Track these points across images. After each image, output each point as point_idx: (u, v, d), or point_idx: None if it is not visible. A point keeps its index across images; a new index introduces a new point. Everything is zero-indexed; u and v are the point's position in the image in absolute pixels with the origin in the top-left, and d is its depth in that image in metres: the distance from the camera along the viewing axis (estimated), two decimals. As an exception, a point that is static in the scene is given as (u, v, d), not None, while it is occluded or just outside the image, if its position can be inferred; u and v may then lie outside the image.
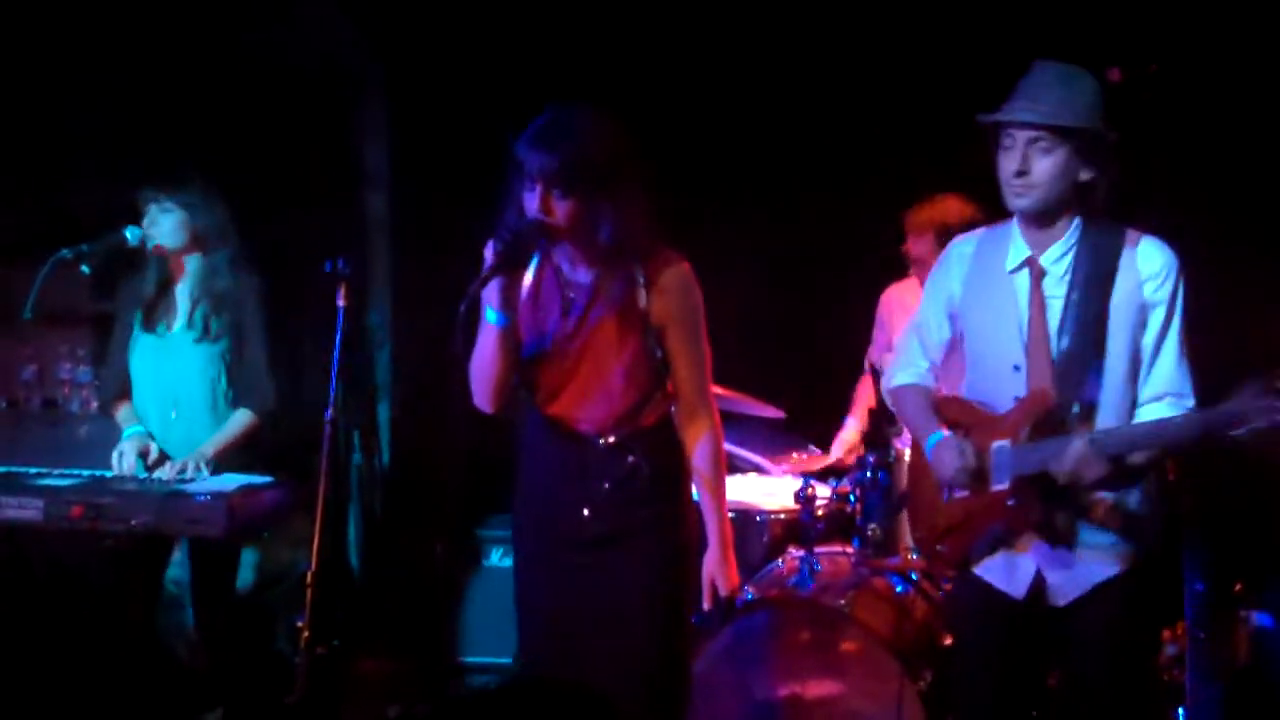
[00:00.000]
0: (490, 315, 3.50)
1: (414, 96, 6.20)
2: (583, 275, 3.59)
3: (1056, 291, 3.46)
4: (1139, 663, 3.68)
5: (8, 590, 4.77)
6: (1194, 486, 4.15)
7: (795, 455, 5.33)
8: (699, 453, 3.65)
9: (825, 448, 5.49)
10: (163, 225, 4.55)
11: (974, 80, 5.33)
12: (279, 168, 5.85)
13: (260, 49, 5.94)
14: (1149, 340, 3.43)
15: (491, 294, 3.47)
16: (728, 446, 5.17)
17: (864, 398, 5.50)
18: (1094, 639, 3.53)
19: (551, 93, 5.69)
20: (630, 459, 3.58)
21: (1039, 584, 3.53)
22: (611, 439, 3.59)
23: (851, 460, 5.24)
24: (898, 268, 5.26)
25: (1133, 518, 3.48)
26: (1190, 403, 3.41)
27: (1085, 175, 3.40)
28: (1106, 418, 3.43)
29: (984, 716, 3.67)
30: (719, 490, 3.69)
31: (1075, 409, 3.41)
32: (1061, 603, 3.53)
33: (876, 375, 5.11)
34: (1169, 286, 3.41)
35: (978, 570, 3.61)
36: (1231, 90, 5.25)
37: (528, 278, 3.61)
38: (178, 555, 4.70)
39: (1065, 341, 3.43)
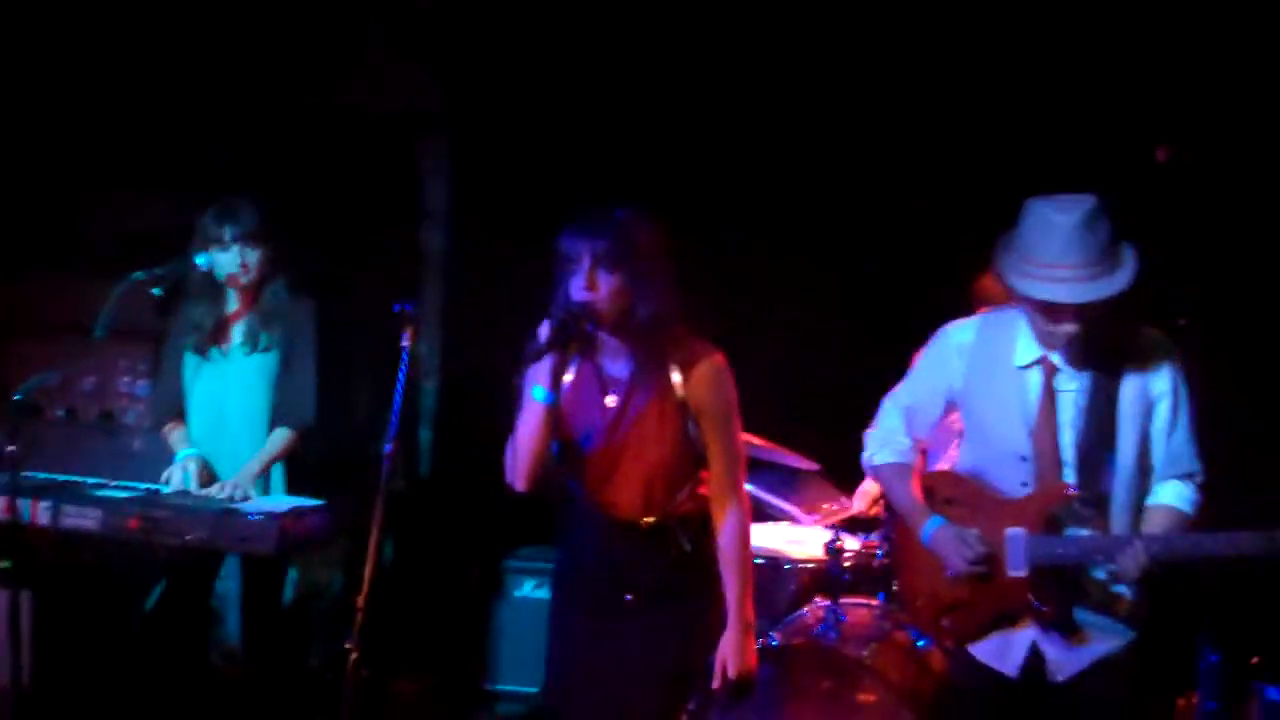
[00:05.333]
0: (538, 393, 3.68)
1: (476, 137, 6.37)
2: (621, 369, 3.78)
3: (1067, 386, 3.56)
4: None
5: (61, 595, 4.92)
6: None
7: (826, 506, 5.41)
8: (726, 536, 3.80)
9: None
10: (251, 263, 4.74)
11: (1023, 143, 5.48)
12: (343, 200, 6.03)
13: (329, 89, 6.13)
14: (1158, 427, 3.56)
15: (541, 373, 3.67)
16: (760, 493, 5.32)
17: None
18: (1097, 716, 3.61)
19: (608, 138, 5.92)
20: (671, 550, 3.77)
21: (1035, 660, 3.62)
22: (651, 520, 3.77)
23: (873, 512, 5.31)
24: (933, 328, 5.34)
25: (1131, 600, 3.58)
26: (1201, 480, 3.55)
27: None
28: (1119, 508, 3.55)
29: None
30: (743, 574, 3.81)
31: (1090, 501, 3.53)
32: (1060, 678, 3.61)
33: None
34: (1170, 375, 3.53)
35: (972, 648, 3.70)
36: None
37: (569, 375, 3.79)
38: (221, 570, 4.86)
39: (1079, 435, 3.54)
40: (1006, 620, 3.63)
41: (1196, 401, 3.56)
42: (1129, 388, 3.52)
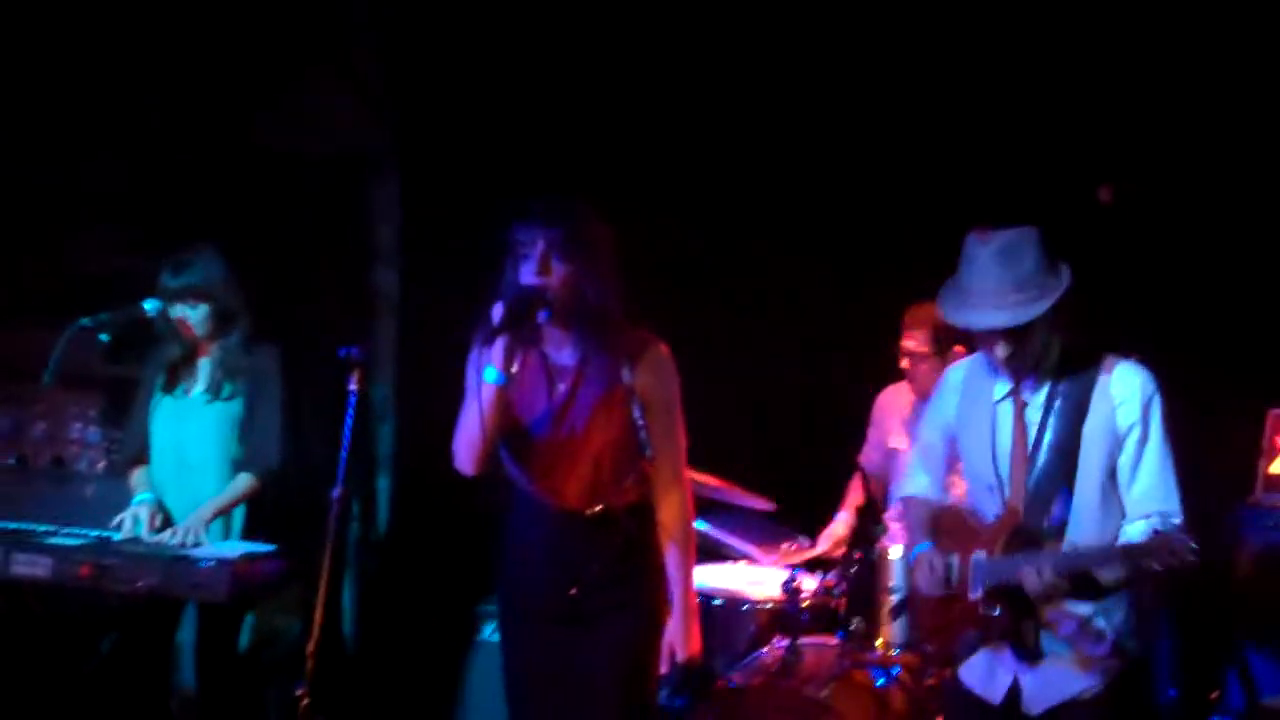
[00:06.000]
0: (489, 374, 3.70)
1: (426, 177, 6.37)
2: (568, 358, 3.84)
3: (1034, 417, 3.62)
4: None
5: (11, 644, 4.86)
6: (1168, 595, 4.25)
7: (784, 546, 5.38)
8: (671, 521, 3.89)
9: (814, 540, 5.55)
10: (192, 319, 4.74)
11: (978, 182, 5.51)
12: (293, 243, 6.01)
13: (276, 128, 6.12)
14: (1125, 462, 3.54)
15: (494, 354, 3.69)
16: (719, 534, 5.31)
17: (854, 495, 5.55)
18: None
19: (560, 172, 5.93)
20: (618, 537, 3.80)
21: (1015, 690, 3.64)
22: (599, 508, 3.81)
23: (837, 554, 5.32)
24: (894, 371, 5.37)
25: (1108, 636, 3.58)
26: (1177, 520, 3.47)
27: (1053, 316, 3.52)
28: (1078, 536, 3.55)
29: None
30: (687, 561, 3.90)
31: (1045, 528, 3.56)
32: (1035, 711, 3.62)
33: (865, 475, 5.20)
34: (1139, 410, 3.53)
35: (960, 673, 3.76)
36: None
37: (515, 365, 3.79)
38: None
39: (1038, 466, 3.59)
40: (980, 643, 3.67)
41: (1174, 438, 3.54)
42: (1095, 421, 3.55)
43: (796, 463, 5.44)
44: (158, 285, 4.74)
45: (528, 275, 3.69)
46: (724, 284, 6.09)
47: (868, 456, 5.45)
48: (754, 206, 6.17)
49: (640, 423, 3.80)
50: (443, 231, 6.30)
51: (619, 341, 3.81)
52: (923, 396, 5.14)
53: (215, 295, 4.75)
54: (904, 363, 5.15)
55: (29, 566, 4.39)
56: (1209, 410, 5.13)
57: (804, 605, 4.90)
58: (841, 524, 5.52)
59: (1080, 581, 3.46)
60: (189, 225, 5.44)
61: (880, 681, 4.73)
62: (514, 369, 3.79)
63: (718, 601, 5.08)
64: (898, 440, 5.28)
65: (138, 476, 4.86)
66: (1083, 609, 3.56)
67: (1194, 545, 3.29)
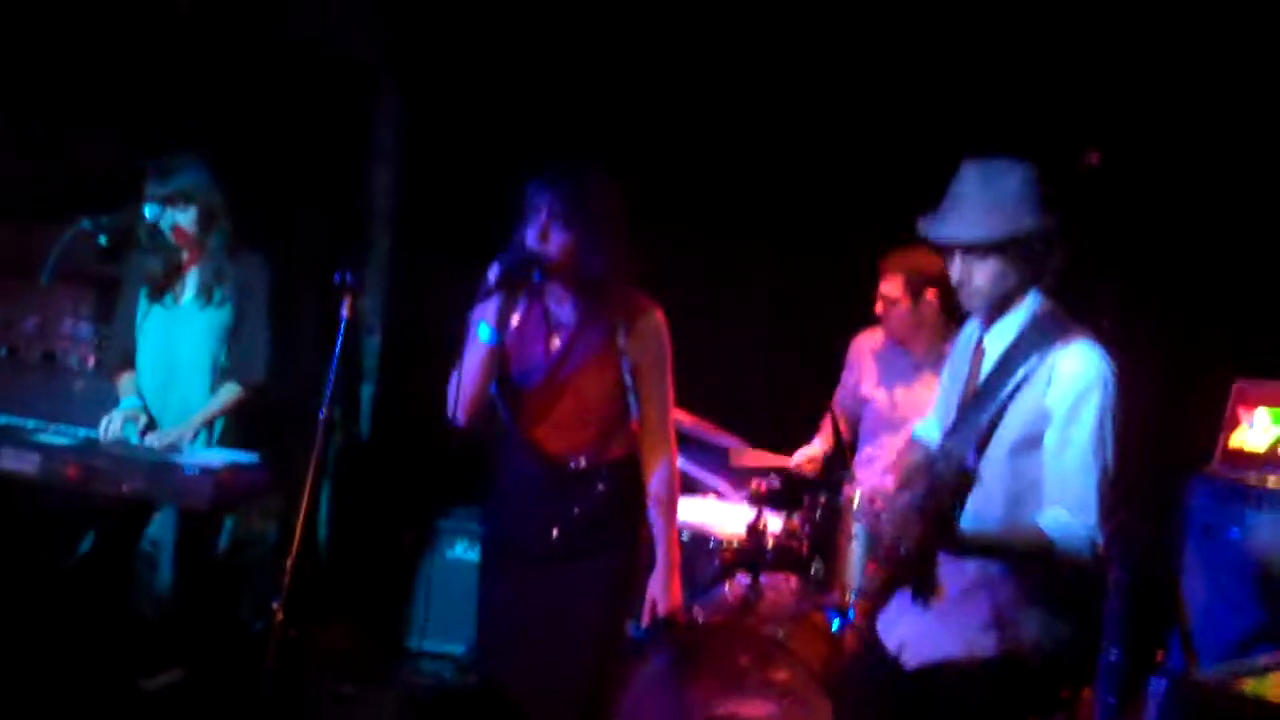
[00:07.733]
0: (483, 332, 3.82)
1: (427, 91, 6.40)
2: (568, 315, 3.96)
3: (984, 370, 3.48)
4: None
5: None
6: (1120, 558, 4.37)
7: (754, 482, 5.42)
8: (657, 481, 4.02)
9: (783, 479, 5.58)
10: (182, 222, 4.80)
11: (961, 134, 5.57)
12: (291, 151, 6.04)
13: (280, 34, 6.13)
14: (1050, 441, 3.34)
15: (488, 313, 3.80)
16: (689, 468, 5.42)
17: (827, 432, 5.64)
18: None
19: (560, 98, 5.96)
20: (600, 487, 3.95)
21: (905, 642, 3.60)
22: (583, 463, 3.95)
23: (809, 470, 5.39)
24: (871, 316, 5.45)
25: (987, 609, 3.46)
26: (1090, 520, 3.27)
27: (1029, 263, 3.41)
28: (980, 501, 3.33)
29: None
30: (671, 518, 4.05)
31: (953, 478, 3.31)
32: (910, 664, 3.56)
33: (836, 418, 5.29)
34: (1074, 395, 3.31)
35: (879, 620, 3.70)
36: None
37: (516, 317, 3.93)
38: (157, 516, 4.90)
39: (965, 416, 3.43)
40: (891, 584, 3.51)
41: (1113, 436, 3.32)
42: (1031, 389, 3.35)
43: (773, 406, 5.52)
44: (145, 193, 4.77)
45: (530, 238, 3.80)
46: (710, 233, 6.14)
47: (840, 399, 5.56)
48: (744, 155, 6.21)
49: (629, 385, 3.94)
50: (443, 143, 6.34)
51: (616, 304, 3.92)
52: (895, 340, 5.27)
53: (201, 198, 4.80)
54: (879, 307, 5.24)
55: (17, 462, 4.45)
56: (1179, 381, 5.24)
57: (768, 545, 5.00)
58: (817, 446, 5.56)
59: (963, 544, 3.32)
60: (186, 124, 5.47)
61: (836, 625, 4.84)
62: (514, 321, 3.92)
63: (684, 536, 5.17)
64: (868, 385, 5.39)
65: (124, 382, 4.92)
66: (971, 572, 3.44)
67: (1095, 552, 3.24)
